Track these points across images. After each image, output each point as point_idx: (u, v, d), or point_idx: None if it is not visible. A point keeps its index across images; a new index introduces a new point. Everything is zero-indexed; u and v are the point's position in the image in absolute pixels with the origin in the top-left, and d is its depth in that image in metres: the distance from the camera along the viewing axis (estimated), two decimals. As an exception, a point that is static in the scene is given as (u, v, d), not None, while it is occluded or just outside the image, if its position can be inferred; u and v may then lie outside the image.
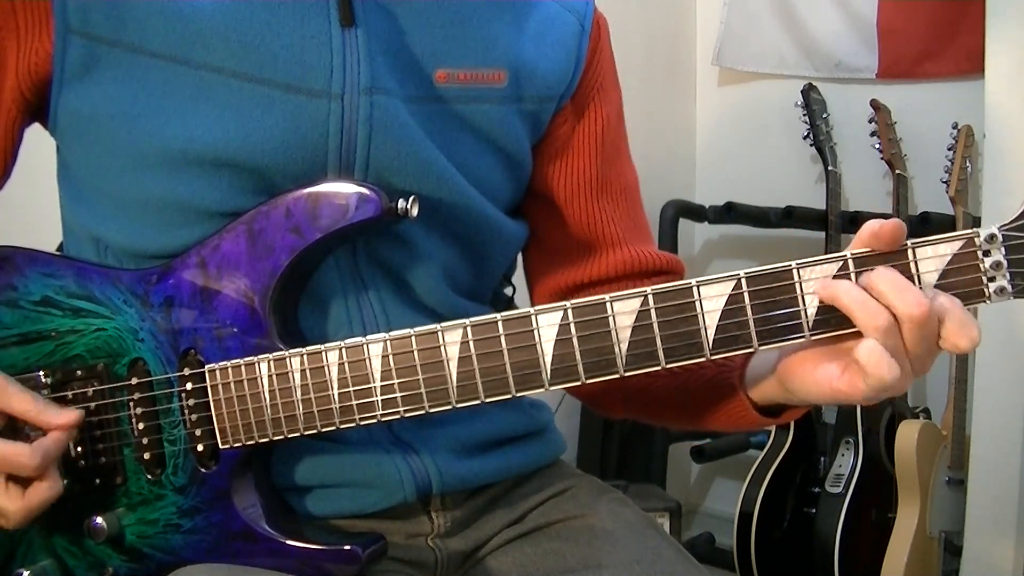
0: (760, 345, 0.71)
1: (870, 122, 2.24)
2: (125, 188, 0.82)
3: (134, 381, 0.80)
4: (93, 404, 0.81)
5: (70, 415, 0.77)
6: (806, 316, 0.70)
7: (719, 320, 0.71)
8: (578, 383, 0.73)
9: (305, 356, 0.77)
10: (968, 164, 2.06)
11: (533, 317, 0.73)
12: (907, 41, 2.29)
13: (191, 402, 0.79)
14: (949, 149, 2.09)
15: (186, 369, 0.79)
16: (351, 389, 0.76)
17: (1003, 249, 0.68)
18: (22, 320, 0.83)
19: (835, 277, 0.70)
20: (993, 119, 1.77)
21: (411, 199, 0.79)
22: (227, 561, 0.79)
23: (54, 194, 0.90)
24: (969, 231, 0.68)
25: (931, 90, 2.28)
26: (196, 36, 0.79)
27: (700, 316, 0.71)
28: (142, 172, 0.81)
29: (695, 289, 0.71)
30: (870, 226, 0.69)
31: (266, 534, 0.79)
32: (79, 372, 0.81)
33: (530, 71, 0.90)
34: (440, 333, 0.74)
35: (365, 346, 0.76)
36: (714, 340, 0.71)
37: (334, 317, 0.84)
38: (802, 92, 2.34)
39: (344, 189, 0.78)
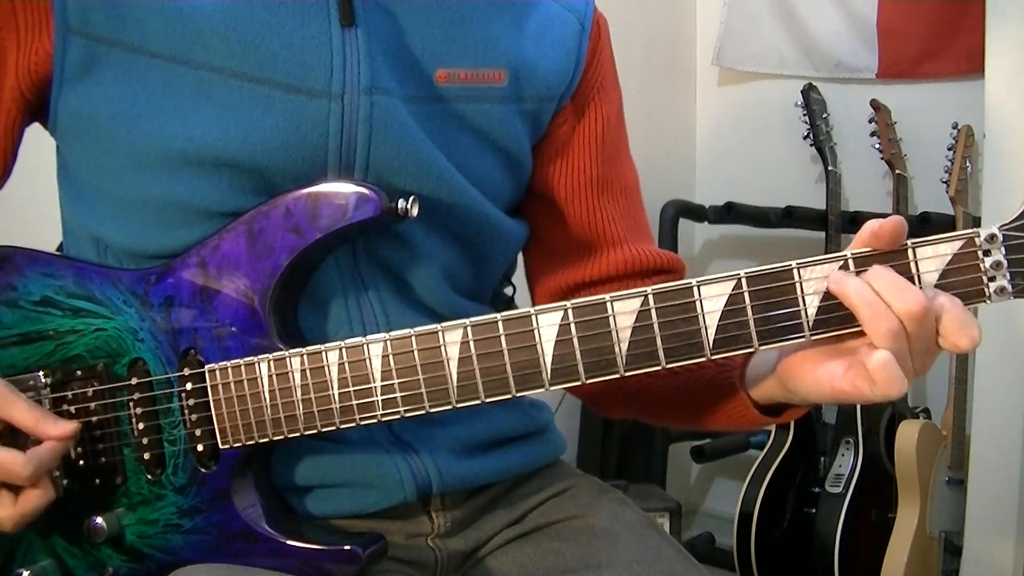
0: (760, 345, 0.71)
1: (870, 122, 2.24)
2: (125, 188, 0.82)
3: (134, 381, 0.80)
4: (93, 404, 0.81)
5: (67, 426, 0.77)
6: (806, 316, 0.70)
7: (719, 320, 0.71)
8: (578, 383, 0.73)
9: (305, 356, 0.77)
10: (968, 164, 2.06)
11: (533, 317, 0.73)
12: (907, 41, 2.29)
13: (191, 402, 0.79)
14: (949, 149, 2.09)
15: (186, 369, 0.79)
16: (351, 389, 0.76)
17: (1003, 249, 0.68)
18: (22, 320, 0.83)
19: (836, 276, 0.70)
20: (993, 119, 1.77)
21: (411, 199, 0.79)
22: (227, 561, 0.79)
23: (54, 194, 0.90)
24: (969, 231, 0.68)
25: (931, 90, 2.29)
26: (196, 36, 0.79)
27: (700, 316, 0.71)
28: (142, 172, 0.81)
29: (695, 289, 0.71)
30: (870, 226, 0.69)
31: (266, 534, 0.79)
32: (79, 372, 0.81)
33: (530, 71, 0.90)
34: (440, 333, 0.74)
35: (365, 346, 0.76)
36: (714, 340, 0.71)
37: (334, 317, 0.84)
38: (802, 92, 2.34)
39: (344, 189, 0.78)
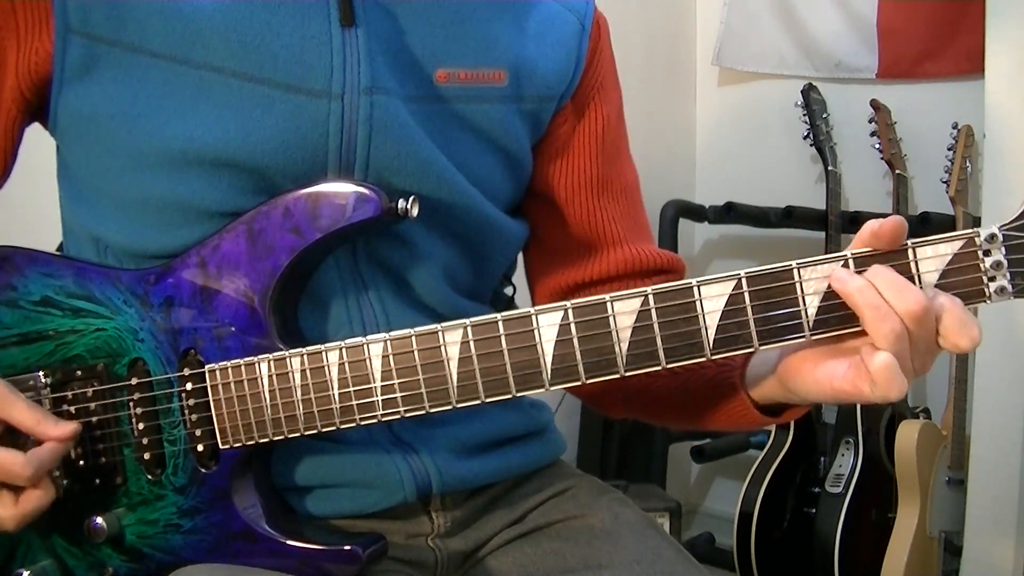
0: (760, 345, 0.71)
1: (870, 122, 2.24)
2: (125, 188, 0.82)
3: (134, 381, 0.80)
4: (93, 404, 0.81)
5: (67, 427, 0.77)
6: (806, 316, 0.70)
7: (719, 320, 0.71)
8: (578, 383, 0.73)
9: (305, 356, 0.77)
10: (968, 164, 2.06)
11: (533, 317, 0.73)
12: (907, 41, 2.29)
13: (191, 402, 0.79)
14: (949, 149, 2.09)
15: (186, 369, 0.79)
16: (351, 389, 0.76)
17: (1003, 249, 0.68)
18: (22, 320, 0.83)
19: (836, 277, 0.69)
20: (993, 119, 1.77)
21: (411, 199, 0.79)
22: (227, 561, 0.79)
23: (54, 194, 0.90)
24: (969, 231, 0.68)
25: (931, 90, 2.29)
26: (196, 36, 0.79)
27: (701, 316, 0.71)
28: (142, 172, 0.81)
29: (695, 289, 0.71)
30: (870, 225, 0.69)
31: (266, 534, 0.79)
32: (79, 372, 0.81)
33: (530, 70, 0.90)
34: (440, 333, 0.74)
35: (365, 346, 0.76)
36: (714, 340, 0.71)
37: (334, 317, 0.84)
38: (802, 92, 2.34)
39: (344, 189, 0.78)
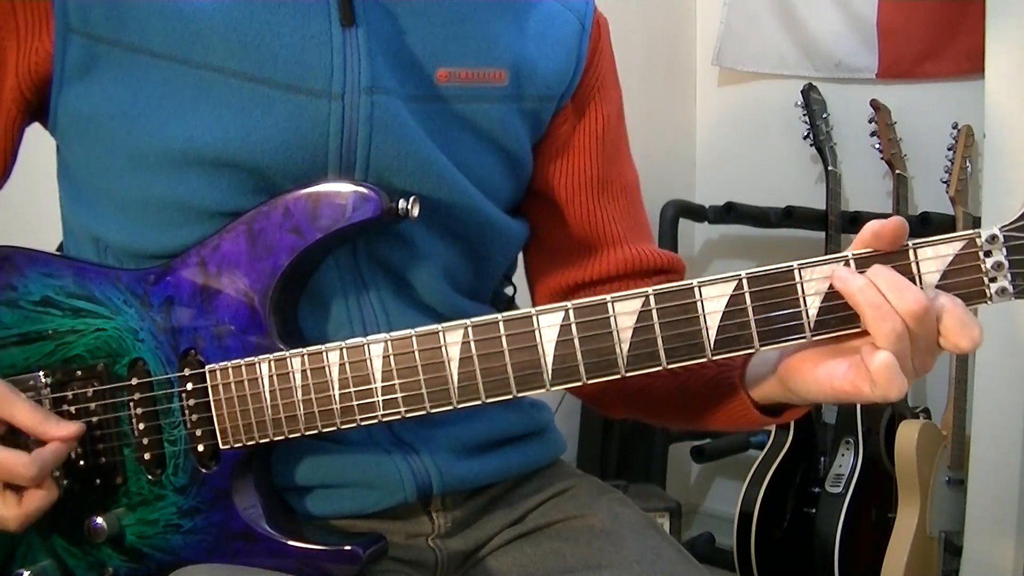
0: (761, 346, 0.71)
1: (870, 122, 2.24)
2: (125, 188, 0.82)
3: (134, 381, 0.80)
4: (93, 404, 0.81)
5: (70, 427, 0.77)
6: (807, 317, 0.70)
7: (720, 320, 0.71)
8: (579, 384, 0.73)
9: (306, 356, 0.77)
10: (968, 164, 2.06)
11: (534, 317, 0.73)
12: (907, 41, 2.29)
13: (191, 402, 0.79)
14: (949, 149, 2.09)
15: (186, 369, 0.79)
16: (352, 389, 0.76)
17: (1004, 250, 0.68)
18: (22, 320, 0.82)
19: (837, 277, 0.69)
20: (993, 119, 1.77)
21: (412, 199, 0.79)
22: (227, 561, 0.79)
23: (54, 194, 0.90)
24: (970, 231, 0.68)
25: (931, 90, 2.29)
26: (196, 36, 0.79)
27: (701, 316, 0.71)
28: (142, 172, 0.81)
29: (696, 290, 0.71)
30: (872, 226, 0.69)
31: (266, 534, 0.79)
32: (79, 372, 0.81)
33: (531, 70, 0.90)
34: (441, 333, 0.74)
35: (366, 346, 0.76)
36: (715, 340, 0.71)
37: (334, 317, 0.84)
38: (802, 92, 2.34)
39: (344, 189, 0.78)
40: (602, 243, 0.96)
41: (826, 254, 0.71)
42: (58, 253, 0.90)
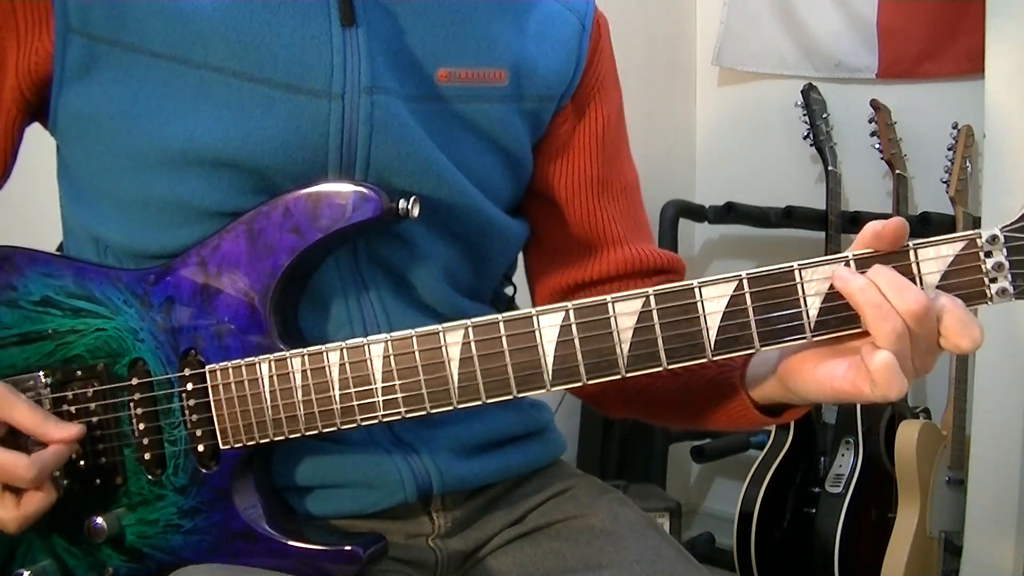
0: (762, 346, 0.71)
1: (870, 122, 2.24)
2: (125, 188, 0.82)
3: (134, 381, 0.80)
4: (93, 404, 0.81)
5: (71, 429, 0.77)
6: (808, 317, 0.70)
7: (721, 321, 0.71)
8: (580, 384, 0.73)
9: (306, 356, 0.77)
10: (968, 164, 2.06)
11: (535, 318, 0.73)
12: (907, 41, 2.29)
13: (192, 402, 0.79)
14: (949, 149, 2.09)
15: (186, 369, 0.79)
16: (352, 390, 0.76)
17: (1005, 250, 0.68)
18: (22, 320, 0.82)
19: (837, 277, 0.69)
20: (993, 119, 1.77)
21: (412, 199, 0.79)
22: (227, 561, 0.79)
23: (54, 194, 0.90)
24: (971, 232, 0.68)
25: (931, 90, 2.28)
26: (196, 36, 0.79)
27: (702, 317, 0.71)
28: (142, 172, 0.81)
29: (697, 290, 0.71)
30: (872, 226, 0.69)
31: (266, 534, 0.79)
32: (79, 372, 0.81)
33: (531, 70, 0.89)
34: (441, 334, 0.74)
35: (366, 346, 0.75)
36: (716, 341, 0.71)
37: (335, 317, 0.84)
38: (802, 92, 2.34)
39: (344, 189, 0.78)
40: (602, 243, 0.96)
41: (826, 254, 0.72)
42: (58, 253, 0.90)
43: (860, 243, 0.70)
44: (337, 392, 0.76)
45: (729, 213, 2.33)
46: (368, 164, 0.82)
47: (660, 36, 2.64)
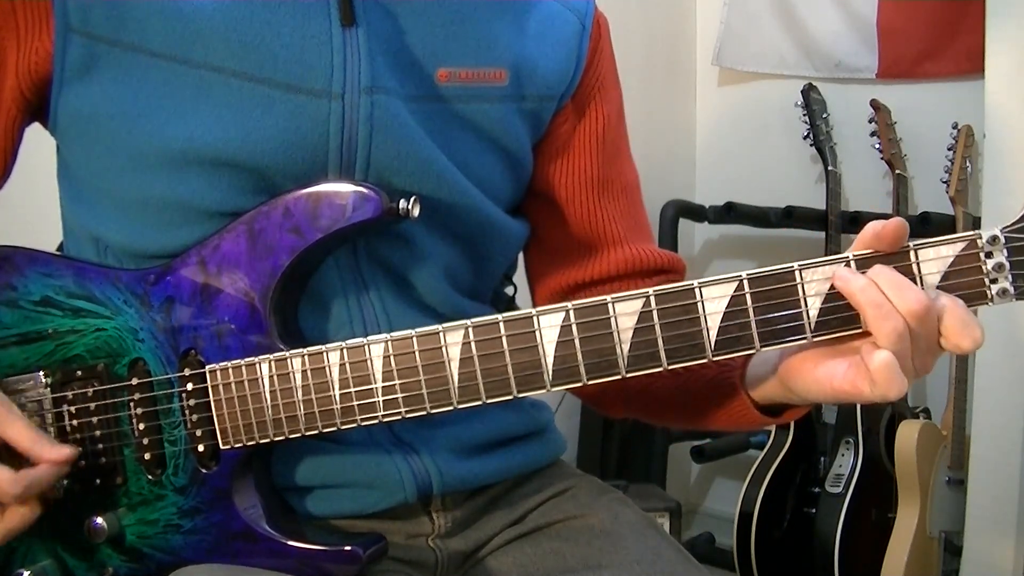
0: (762, 346, 0.71)
1: (870, 122, 2.24)
2: (125, 188, 0.82)
3: (134, 381, 0.80)
4: (93, 404, 0.81)
5: (63, 451, 0.77)
6: (808, 318, 0.70)
7: (721, 321, 0.71)
8: (580, 384, 0.73)
9: (306, 356, 0.77)
10: (968, 164, 2.06)
11: (535, 318, 0.73)
12: (907, 41, 2.29)
13: (192, 402, 0.79)
14: (949, 149, 2.09)
15: (187, 369, 0.79)
16: (352, 390, 0.76)
17: (1005, 251, 0.68)
18: (22, 320, 0.82)
19: (837, 277, 0.69)
20: (993, 119, 1.77)
21: (412, 200, 0.79)
22: (227, 561, 0.79)
23: (54, 194, 0.90)
24: (971, 232, 0.68)
25: (931, 90, 2.28)
26: (196, 36, 0.78)
27: (702, 317, 0.71)
28: (142, 172, 0.80)
29: (697, 290, 0.71)
30: (872, 227, 0.69)
31: (266, 534, 0.79)
32: (79, 372, 0.81)
33: (531, 70, 0.89)
34: (442, 334, 0.74)
35: (367, 346, 0.75)
36: (716, 341, 0.71)
37: (335, 317, 0.84)
38: (802, 92, 2.34)
39: (344, 189, 0.78)
40: (602, 243, 0.96)
41: (826, 254, 0.72)
42: (58, 253, 0.90)
43: (860, 243, 0.70)
44: (337, 392, 0.76)
45: (729, 213, 2.33)
46: (368, 164, 0.82)
47: (660, 36, 2.64)
